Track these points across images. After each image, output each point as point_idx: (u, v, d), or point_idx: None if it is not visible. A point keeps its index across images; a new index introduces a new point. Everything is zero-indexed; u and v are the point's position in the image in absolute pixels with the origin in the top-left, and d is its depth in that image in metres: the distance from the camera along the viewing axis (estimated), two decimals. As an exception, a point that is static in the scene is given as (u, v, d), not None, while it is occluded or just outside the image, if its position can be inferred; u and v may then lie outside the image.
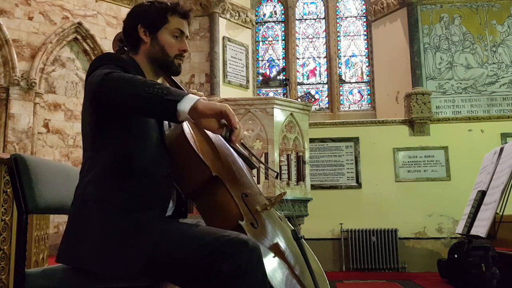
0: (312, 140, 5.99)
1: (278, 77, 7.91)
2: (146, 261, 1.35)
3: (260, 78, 7.92)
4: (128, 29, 1.62)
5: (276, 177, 1.54)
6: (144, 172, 1.46)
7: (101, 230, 1.37)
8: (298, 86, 7.85)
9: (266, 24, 8.09)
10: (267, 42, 8.02)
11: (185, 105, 1.25)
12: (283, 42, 8.00)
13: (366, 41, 7.81)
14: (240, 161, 1.70)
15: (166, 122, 1.62)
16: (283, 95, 7.09)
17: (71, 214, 1.47)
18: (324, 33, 7.99)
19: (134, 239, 1.37)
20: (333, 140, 6.86)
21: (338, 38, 7.92)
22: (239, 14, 7.41)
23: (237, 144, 1.39)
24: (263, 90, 7.90)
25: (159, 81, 1.52)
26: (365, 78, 7.74)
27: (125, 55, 1.64)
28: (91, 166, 1.46)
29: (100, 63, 1.47)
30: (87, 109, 1.49)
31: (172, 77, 1.69)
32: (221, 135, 1.33)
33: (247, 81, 7.34)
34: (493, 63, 6.85)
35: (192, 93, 1.31)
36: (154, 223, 1.42)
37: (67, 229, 1.46)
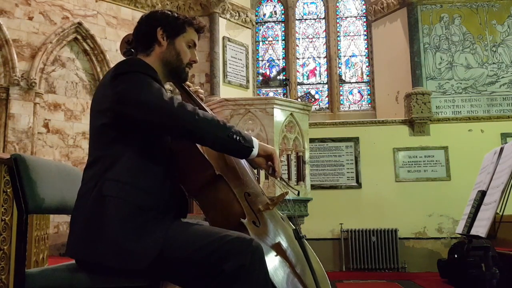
0: (312, 140, 5.99)
1: (278, 77, 7.91)
2: (155, 256, 1.37)
3: (260, 78, 7.92)
4: (146, 30, 1.66)
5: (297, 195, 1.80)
6: (158, 172, 1.51)
7: (120, 226, 1.39)
8: (298, 86, 7.85)
9: (266, 24, 8.09)
10: (267, 42, 8.02)
11: (255, 151, 1.55)
12: (283, 42, 8.00)
13: (366, 41, 7.81)
14: (243, 160, 1.72)
15: None
16: (283, 95, 7.08)
17: (84, 209, 1.46)
18: (324, 33, 7.99)
19: (147, 235, 1.40)
20: (333, 140, 6.86)
21: (338, 38, 7.92)
22: (239, 14, 7.41)
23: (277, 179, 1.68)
24: (263, 90, 7.90)
25: (166, 86, 1.58)
26: (365, 78, 7.73)
27: (132, 57, 1.68)
28: (109, 164, 1.47)
29: (128, 69, 1.50)
30: (106, 111, 1.49)
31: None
32: (266, 170, 1.65)
33: (247, 81, 7.34)
34: (493, 63, 6.85)
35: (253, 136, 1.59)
36: (163, 221, 1.46)
37: (79, 224, 1.45)
